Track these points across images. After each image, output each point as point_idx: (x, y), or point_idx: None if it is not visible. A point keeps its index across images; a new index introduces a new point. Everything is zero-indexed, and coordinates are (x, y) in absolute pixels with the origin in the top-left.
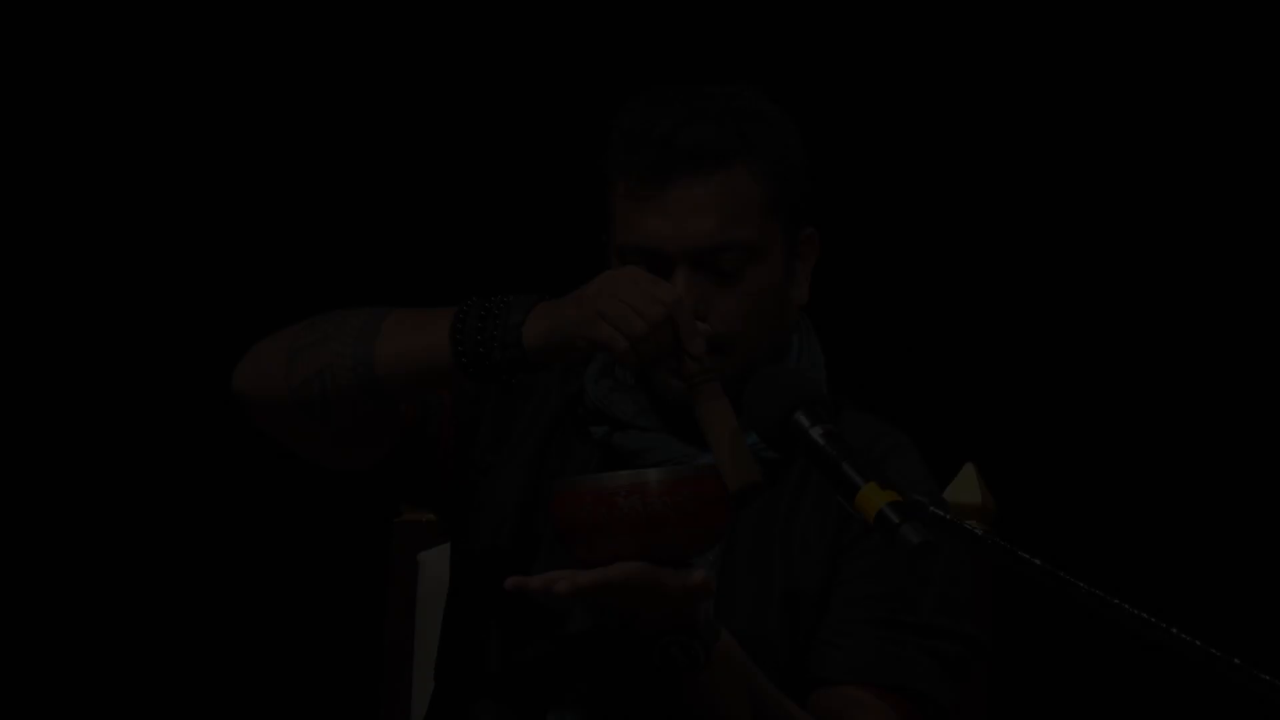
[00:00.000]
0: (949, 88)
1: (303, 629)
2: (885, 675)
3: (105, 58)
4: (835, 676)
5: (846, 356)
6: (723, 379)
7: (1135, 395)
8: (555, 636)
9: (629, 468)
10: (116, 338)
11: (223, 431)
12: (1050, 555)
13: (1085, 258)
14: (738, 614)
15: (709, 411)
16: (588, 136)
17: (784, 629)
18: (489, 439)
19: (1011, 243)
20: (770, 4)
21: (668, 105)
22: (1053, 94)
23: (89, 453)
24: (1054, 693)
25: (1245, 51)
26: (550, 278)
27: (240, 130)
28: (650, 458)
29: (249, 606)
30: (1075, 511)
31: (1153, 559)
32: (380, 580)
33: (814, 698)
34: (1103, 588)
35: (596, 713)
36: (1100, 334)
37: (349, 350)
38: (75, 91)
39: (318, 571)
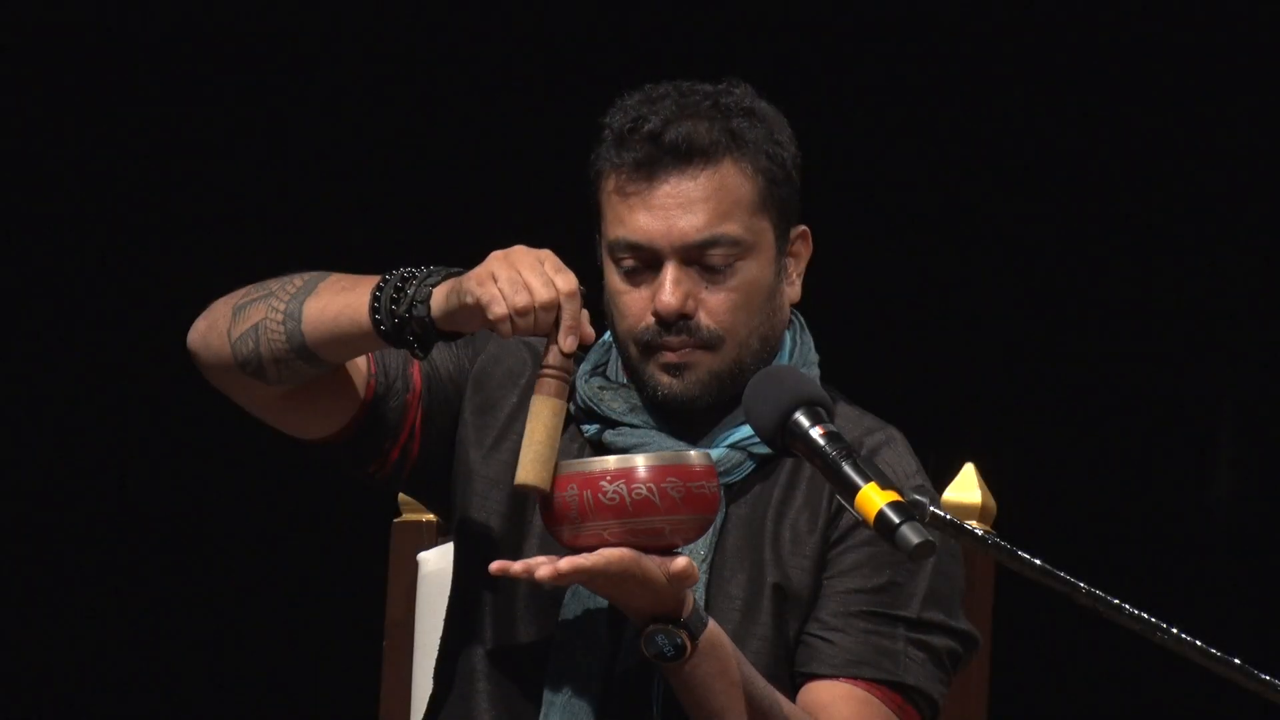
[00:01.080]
0: (947, 86)
1: (303, 629)
2: (875, 669)
3: (105, 57)
4: (825, 670)
5: (846, 356)
6: (710, 377)
7: (1135, 395)
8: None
9: None
10: (117, 338)
11: (222, 432)
12: (1050, 555)
13: (1085, 258)
14: (728, 608)
15: (542, 405)
16: (578, 132)
17: (774, 623)
18: (475, 436)
19: (1011, 242)
20: (767, 3)
21: (658, 102)
22: (1053, 94)
23: (90, 453)
24: (1054, 693)
25: (1242, 52)
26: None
27: (239, 130)
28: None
29: (249, 606)
30: (1075, 511)
31: (1153, 559)
32: (380, 580)
33: (804, 691)
34: (1103, 588)
35: (591, 700)
36: (1100, 334)
37: (283, 305)
38: (75, 91)
39: (318, 571)
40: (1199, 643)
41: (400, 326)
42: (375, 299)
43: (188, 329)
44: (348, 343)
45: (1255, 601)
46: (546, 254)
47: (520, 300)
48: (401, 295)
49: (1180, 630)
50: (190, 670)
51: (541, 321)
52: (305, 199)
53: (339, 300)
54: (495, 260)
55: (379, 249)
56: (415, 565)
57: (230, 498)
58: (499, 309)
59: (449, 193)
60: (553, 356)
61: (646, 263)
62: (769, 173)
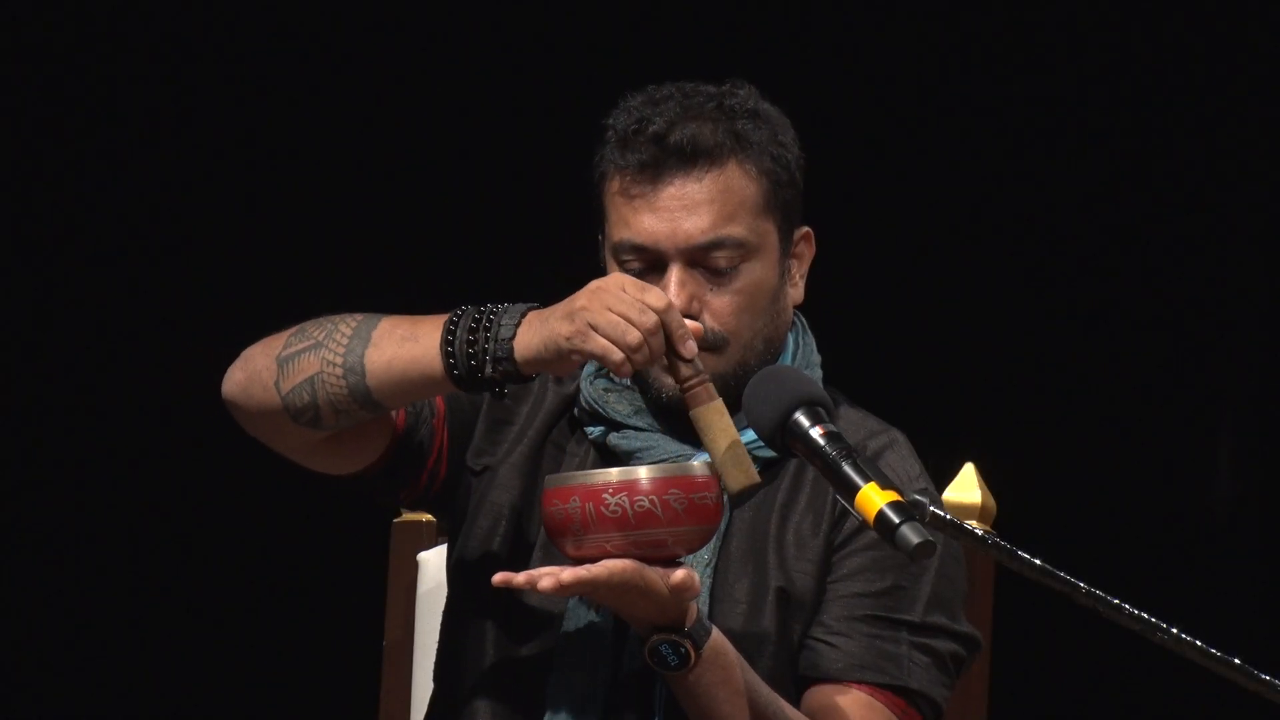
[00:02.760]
0: (948, 87)
1: (303, 629)
2: (879, 673)
3: (104, 57)
4: (829, 674)
5: (845, 357)
6: (714, 380)
7: (1136, 395)
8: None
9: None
10: (117, 338)
11: (222, 433)
12: (1050, 555)
13: (1085, 258)
14: (732, 612)
15: (705, 414)
16: (583, 134)
17: (778, 627)
18: (484, 441)
19: (1011, 242)
20: (769, 3)
21: (662, 103)
22: (1055, 95)
23: (91, 454)
24: (1054, 693)
25: (1243, 53)
26: (547, 275)
27: (238, 130)
28: (646, 458)
29: (250, 606)
30: (1075, 511)
31: (1153, 559)
32: (380, 580)
33: (807, 695)
34: (1103, 588)
35: (595, 708)
36: (1100, 334)
37: (339, 359)
38: (74, 91)
39: (318, 571)
40: (1199, 643)
41: (481, 380)
42: (449, 355)
43: (188, 329)
44: (418, 392)
45: (1255, 601)
46: (623, 279)
47: (632, 339)
48: (477, 349)
49: (1180, 630)
50: (190, 670)
51: (655, 348)
52: (304, 199)
53: (405, 353)
54: (585, 311)
55: (379, 249)
56: (415, 565)
57: (230, 497)
58: (616, 357)
59: (450, 193)
60: (684, 370)
61: (651, 264)
62: (773, 174)
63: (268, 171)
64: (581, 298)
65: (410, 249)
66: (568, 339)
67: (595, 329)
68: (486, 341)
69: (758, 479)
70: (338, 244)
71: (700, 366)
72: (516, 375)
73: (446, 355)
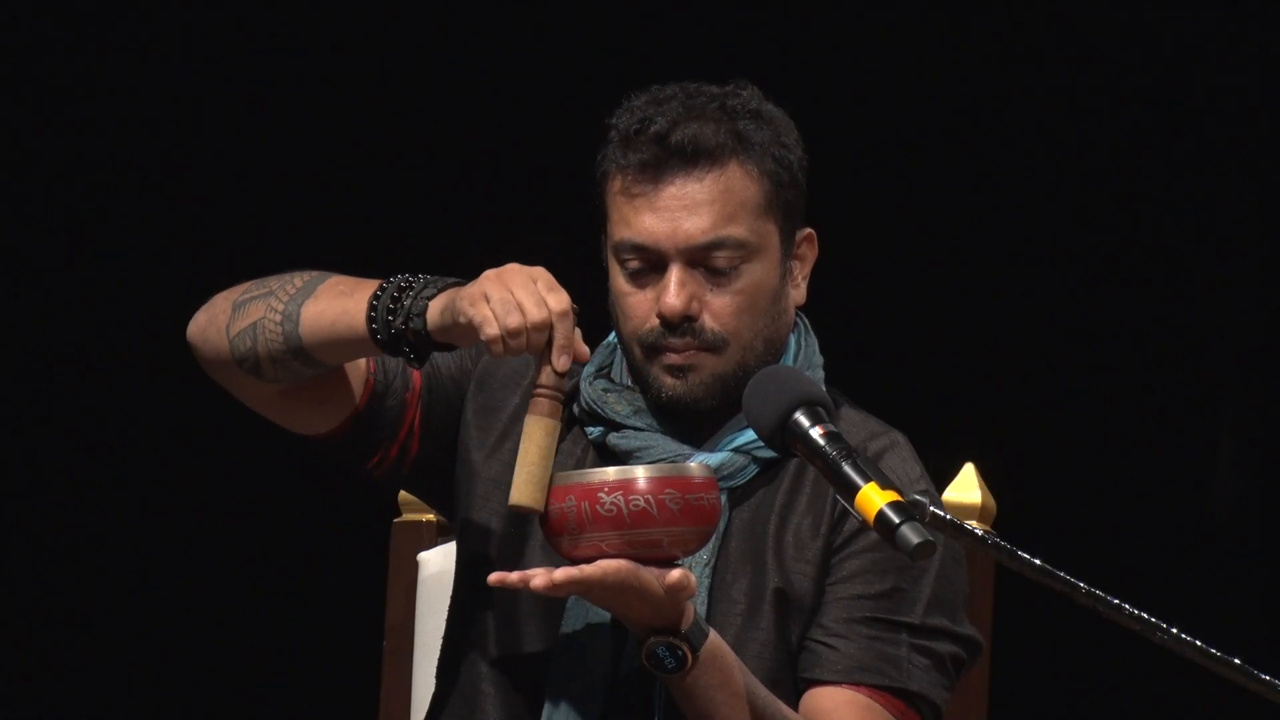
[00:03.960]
0: (951, 89)
1: (303, 629)
2: (878, 675)
3: (102, 57)
4: (828, 676)
5: (847, 358)
6: (714, 380)
7: (1136, 394)
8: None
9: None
10: (117, 338)
11: (222, 433)
12: (1050, 555)
13: (1085, 258)
14: (730, 612)
15: (535, 424)
16: (585, 134)
17: (776, 628)
18: (477, 437)
19: (1012, 243)
20: (770, 4)
21: (664, 103)
22: (1057, 97)
23: (91, 454)
24: (1054, 693)
25: (1243, 54)
26: (552, 273)
27: (236, 129)
28: (645, 458)
29: (250, 606)
30: (1075, 511)
31: (1153, 559)
32: (380, 580)
33: (807, 697)
34: (1103, 588)
35: (594, 707)
36: (1101, 334)
37: (281, 306)
38: (73, 91)
39: (318, 571)
40: (1199, 643)
41: (396, 337)
42: (372, 308)
43: (186, 325)
44: (344, 348)
45: (1255, 601)
46: (539, 272)
47: (513, 321)
48: (398, 306)
49: (1180, 630)
50: (190, 670)
51: (534, 341)
52: (304, 198)
53: (336, 305)
54: (488, 280)
55: (378, 250)
56: (415, 565)
57: (230, 497)
58: (491, 330)
59: (452, 192)
60: (545, 376)
61: (651, 264)
62: (775, 175)
63: (267, 171)
64: (490, 274)
65: (411, 247)
66: (463, 307)
67: (487, 300)
68: (408, 300)
69: (540, 509)
70: (337, 244)
71: (563, 386)
72: (424, 337)
73: (370, 313)
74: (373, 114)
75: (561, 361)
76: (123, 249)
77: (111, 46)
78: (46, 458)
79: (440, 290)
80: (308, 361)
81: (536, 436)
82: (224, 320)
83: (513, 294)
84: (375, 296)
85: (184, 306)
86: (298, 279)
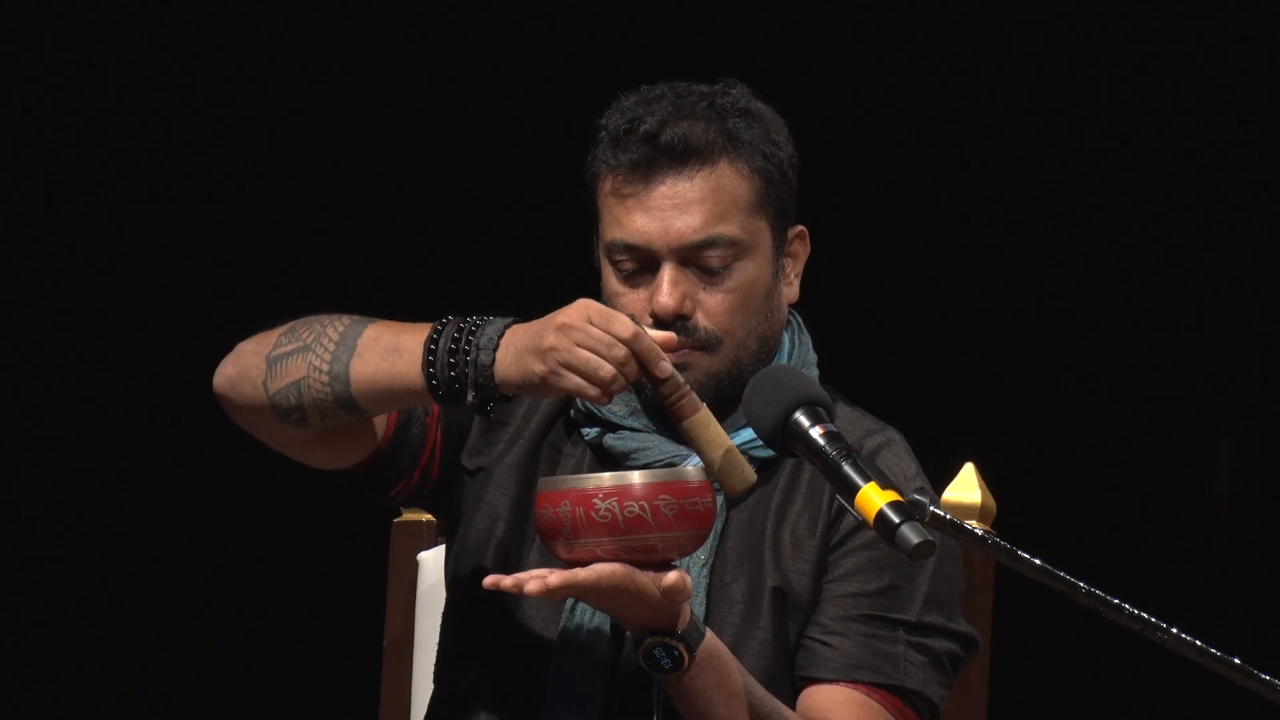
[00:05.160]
0: (945, 86)
1: (303, 629)
2: (875, 673)
3: (101, 56)
4: (825, 674)
5: (845, 357)
6: (708, 379)
7: (1136, 394)
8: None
9: (621, 469)
10: (116, 338)
11: (222, 434)
12: (1050, 555)
13: (1085, 257)
14: (728, 612)
15: (692, 427)
16: (576, 134)
17: (774, 627)
18: (479, 441)
19: (1010, 242)
20: (763, 3)
21: (654, 103)
22: (1052, 92)
23: (91, 454)
24: (1054, 693)
25: (1243, 53)
26: (542, 275)
27: (233, 128)
28: (642, 458)
29: (250, 606)
30: (1075, 511)
31: (1153, 559)
32: (380, 580)
33: (804, 695)
34: (1103, 588)
35: (593, 709)
36: (1101, 333)
37: (326, 365)
38: (73, 90)
39: (318, 571)
40: (1199, 643)
41: (461, 394)
42: (430, 369)
43: (191, 327)
44: (402, 404)
45: (1255, 601)
46: (589, 309)
47: (605, 374)
48: (457, 365)
49: (1180, 630)
50: (191, 670)
51: (631, 375)
52: (301, 198)
53: (388, 366)
54: (554, 350)
55: (375, 249)
56: (415, 565)
57: (230, 497)
58: (592, 393)
59: (444, 194)
60: (663, 388)
61: (644, 264)
62: (765, 173)
63: (264, 172)
64: (549, 335)
65: (405, 249)
66: (542, 378)
67: (570, 369)
68: (466, 366)
69: (754, 478)
70: (335, 244)
71: (680, 380)
72: (495, 395)
73: (429, 376)
74: (367, 115)
75: (662, 369)
76: (125, 251)
77: (116, 57)
78: (47, 461)
79: (495, 343)
80: (360, 415)
81: (703, 434)
82: (258, 376)
83: (586, 349)
84: (429, 360)
85: (187, 305)
86: (330, 330)
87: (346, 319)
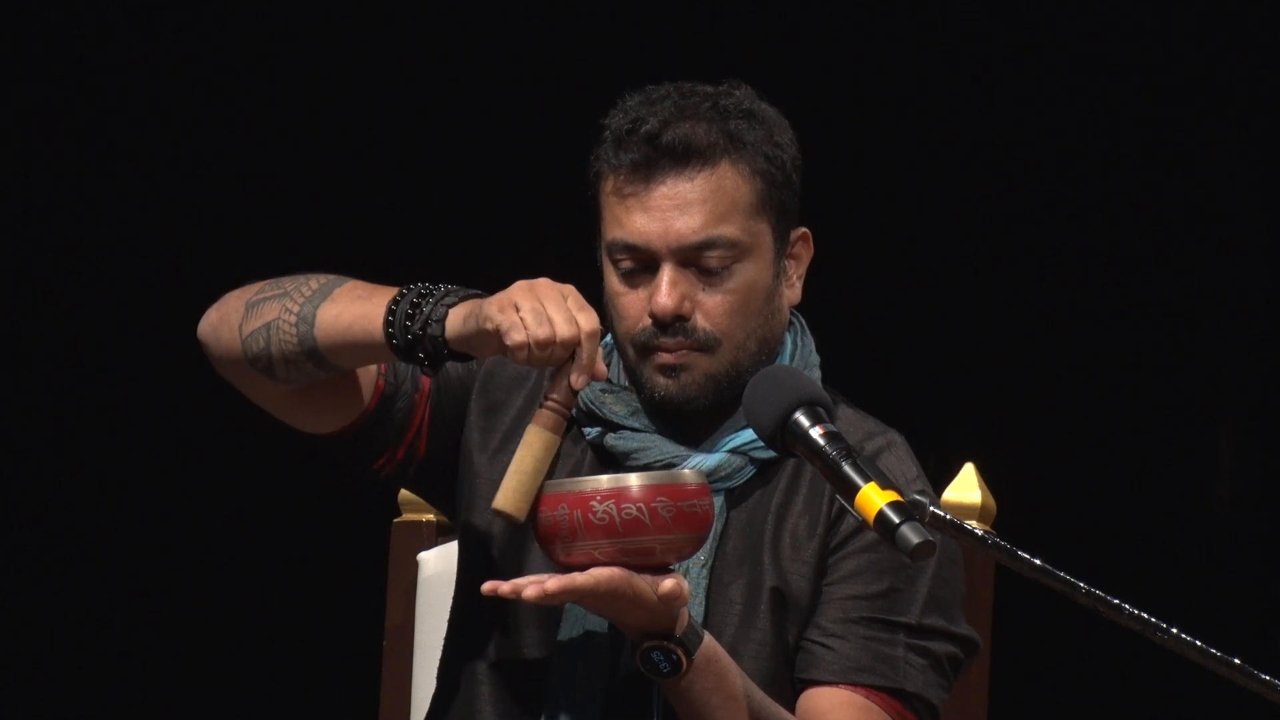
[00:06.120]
0: (949, 88)
1: (303, 628)
2: (875, 676)
3: (100, 56)
4: (825, 677)
5: (847, 358)
6: (707, 380)
7: (1136, 394)
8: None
9: (621, 469)
10: (117, 337)
11: (223, 430)
12: (1050, 555)
13: (1085, 258)
14: (727, 613)
15: (537, 435)
16: (579, 134)
17: (773, 628)
18: (480, 439)
19: (1011, 242)
20: (764, 3)
21: (657, 103)
22: (1054, 95)
23: (89, 451)
24: (1054, 693)
25: (1243, 55)
26: (546, 272)
27: (233, 124)
28: (642, 458)
29: (250, 606)
30: (1075, 511)
31: (1153, 559)
32: (380, 580)
33: (804, 697)
34: (1103, 588)
35: (593, 711)
36: (1101, 333)
37: (297, 308)
38: (72, 90)
39: (318, 571)
40: (1199, 643)
41: (413, 343)
42: (390, 313)
43: (191, 325)
44: (359, 352)
45: (1255, 601)
46: (570, 290)
47: (542, 332)
48: (417, 312)
49: (1180, 630)
50: (189, 670)
51: (558, 356)
52: (299, 198)
53: (353, 309)
54: (519, 290)
55: (376, 249)
56: (415, 565)
57: (230, 497)
58: (518, 336)
59: (448, 193)
60: (560, 391)
61: (644, 264)
62: (768, 175)
63: (265, 171)
64: (522, 285)
65: (406, 247)
66: (490, 308)
67: (517, 309)
68: (426, 308)
69: (521, 518)
70: (335, 243)
71: (572, 403)
72: (443, 345)
73: (388, 317)
74: (370, 113)
75: (580, 380)
76: (127, 246)
77: (116, 48)
78: (47, 456)
79: (461, 299)
80: (321, 364)
81: (535, 447)
82: (236, 319)
83: (544, 306)
84: (394, 302)
85: (187, 305)
86: (314, 281)
87: (333, 275)
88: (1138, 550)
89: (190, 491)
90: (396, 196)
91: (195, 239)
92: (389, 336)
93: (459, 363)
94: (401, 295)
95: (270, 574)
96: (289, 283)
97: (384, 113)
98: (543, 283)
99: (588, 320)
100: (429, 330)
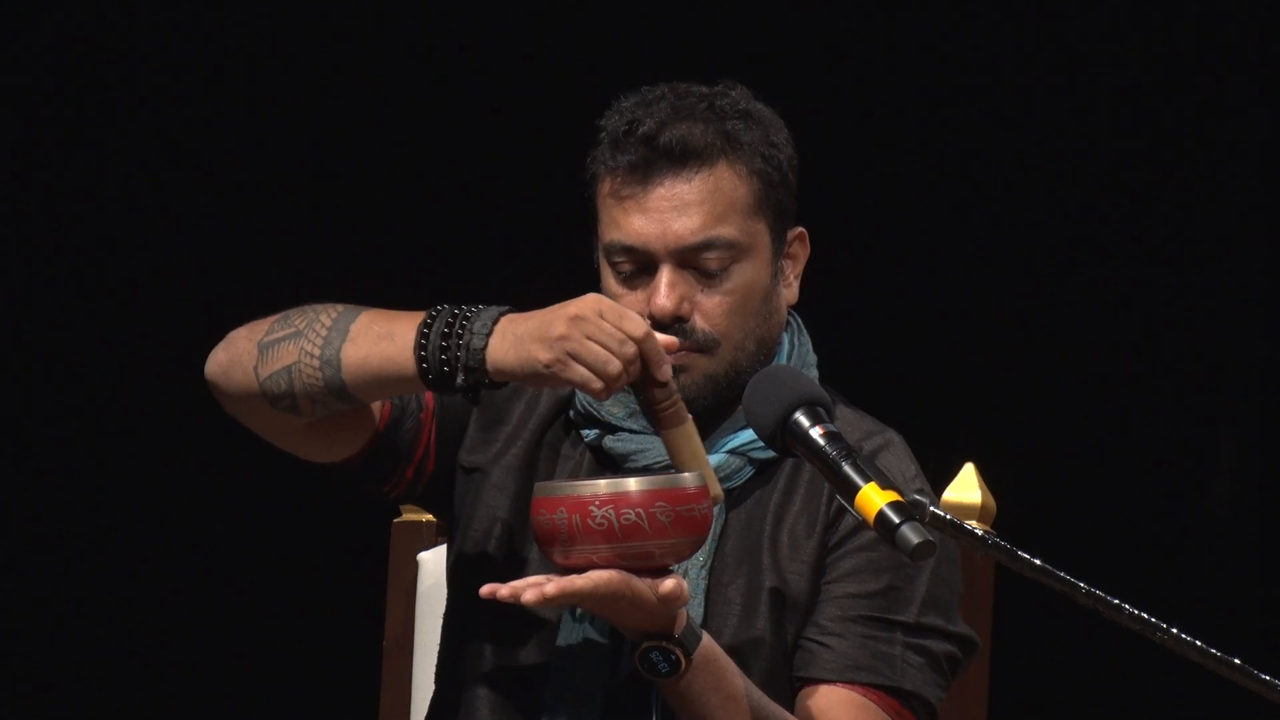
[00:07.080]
0: (947, 88)
1: (303, 629)
2: (873, 674)
3: (100, 56)
4: (823, 675)
5: (845, 358)
6: (705, 381)
7: (1136, 394)
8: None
9: (619, 471)
10: (116, 337)
11: (222, 433)
12: (1050, 555)
13: (1085, 258)
14: (726, 613)
15: (675, 436)
16: (576, 135)
17: (772, 628)
18: (477, 439)
19: (1010, 242)
20: (760, 3)
21: (653, 104)
22: (1054, 95)
23: (91, 454)
24: (1054, 693)
25: (1243, 58)
26: (544, 275)
27: (231, 125)
28: (641, 460)
29: (250, 606)
30: (1075, 511)
31: (1153, 559)
32: (380, 580)
33: (802, 696)
34: (1103, 588)
35: (591, 712)
36: (1100, 334)
37: (317, 350)
38: (72, 90)
39: (318, 571)
40: (1199, 643)
41: (449, 376)
42: (421, 351)
43: (193, 326)
44: (390, 389)
45: (1255, 601)
46: (601, 304)
47: (613, 370)
48: (449, 349)
49: (1180, 630)
50: (191, 670)
51: (634, 374)
52: (298, 197)
53: (380, 351)
54: (565, 339)
55: (374, 249)
56: (415, 565)
57: (230, 497)
58: (596, 386)
59: (444, 196)
60: (657, 393)
61: (642, 266)
62: (764, 175)
63: (265, 171)
64: (559, 324)
65: (404, 249)
66: (546, 366)
67: (576, 359)
68: (459, 349)
69: (721, 496)
70: (335, 244)
71: (674, 388)
72: (489, 385)
73: (420, 359)
74: (368, 114)
75: (664, 372)
76: (127, 246)
77: (115, 58)
78: (46, 460)
79: (489, 329)
80: (350, 401)
81: (684, 445)
82: (250, 361)
83: (597, 343)
84: (420, 344)
85: (187, 305)
86: (324, 316)
87: (340, 306)
88: (1138, 550)
89: (190, 492)
90: (394, 199)
91: (195, 240)
92: (428, 383)
93: None
94: (426, 331)
95: (270, 574)
96: (298, 319)
97: (381, 115)
98: (575, 316)
99: (635, 326)
100: (471, 378)
